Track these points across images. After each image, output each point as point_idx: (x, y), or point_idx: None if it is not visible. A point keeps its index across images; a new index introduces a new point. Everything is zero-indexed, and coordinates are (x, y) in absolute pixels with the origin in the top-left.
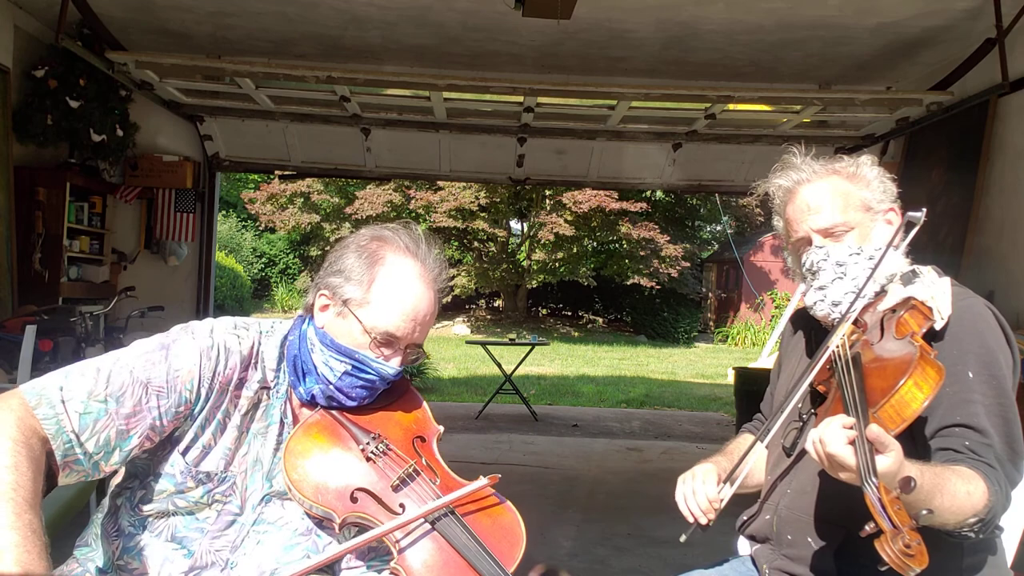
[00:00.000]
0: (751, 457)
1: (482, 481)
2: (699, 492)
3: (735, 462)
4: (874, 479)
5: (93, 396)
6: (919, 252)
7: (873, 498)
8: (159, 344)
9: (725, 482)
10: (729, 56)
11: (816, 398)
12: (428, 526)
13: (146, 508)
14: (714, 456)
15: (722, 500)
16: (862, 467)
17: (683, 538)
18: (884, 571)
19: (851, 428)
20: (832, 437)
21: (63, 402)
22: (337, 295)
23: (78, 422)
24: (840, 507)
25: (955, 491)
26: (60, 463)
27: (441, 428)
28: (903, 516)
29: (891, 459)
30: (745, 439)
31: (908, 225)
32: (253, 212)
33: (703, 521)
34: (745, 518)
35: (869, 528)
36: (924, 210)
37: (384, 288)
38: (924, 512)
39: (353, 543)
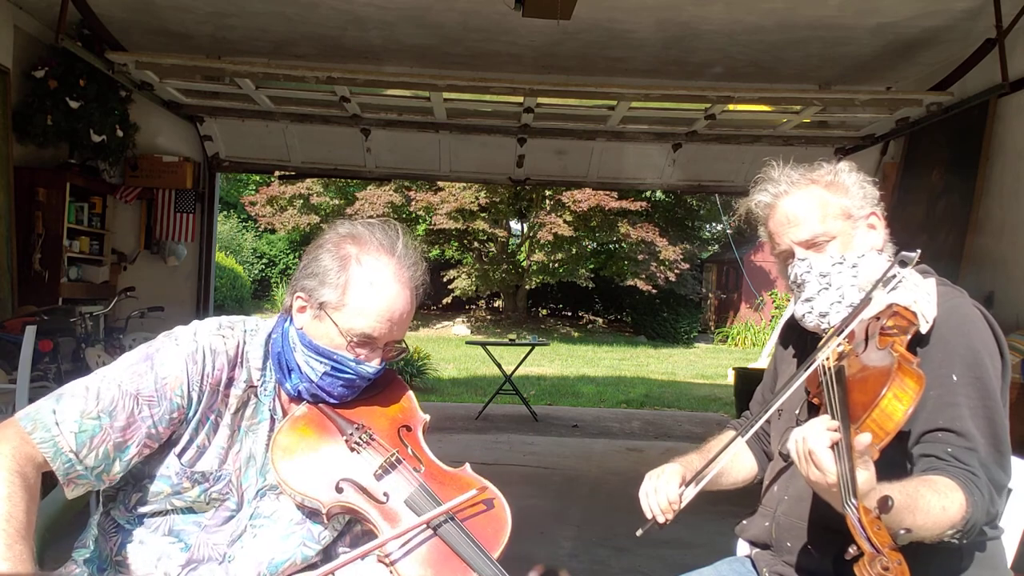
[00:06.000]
0: (724, 456)
1: (471, 492)
2: (660, 491)
3: (707, 461)
4: (854, 500)
5: (85, 414)
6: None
7: (854, 519)
8: (144, 355)
9: (690, 483)
10: (729, 56)
11: (813, 410)
12: (413, 517)
13: (143, 509)
14: (689, 454)
15: (682, 501)
16: (843, 487)
17: (639, 532)
18: None
19: (835, 431)
20: (814, 436)
21: (57, 424)
22: (313, 298)
23: (74, 441)
24: (837, 513)
25: (929, 508)
26: (64, 481)
27: (427, 417)
28: (883, 536)
29: (871, 471)
30: (726, 436)
31: (901, 263)
32: (253, 214)
33: (660, 520)
34: (745, 523)
35: (852, 551)
36: (919, 251)
37: (359, 290)
38: (902, 532)
39: (361, 550)
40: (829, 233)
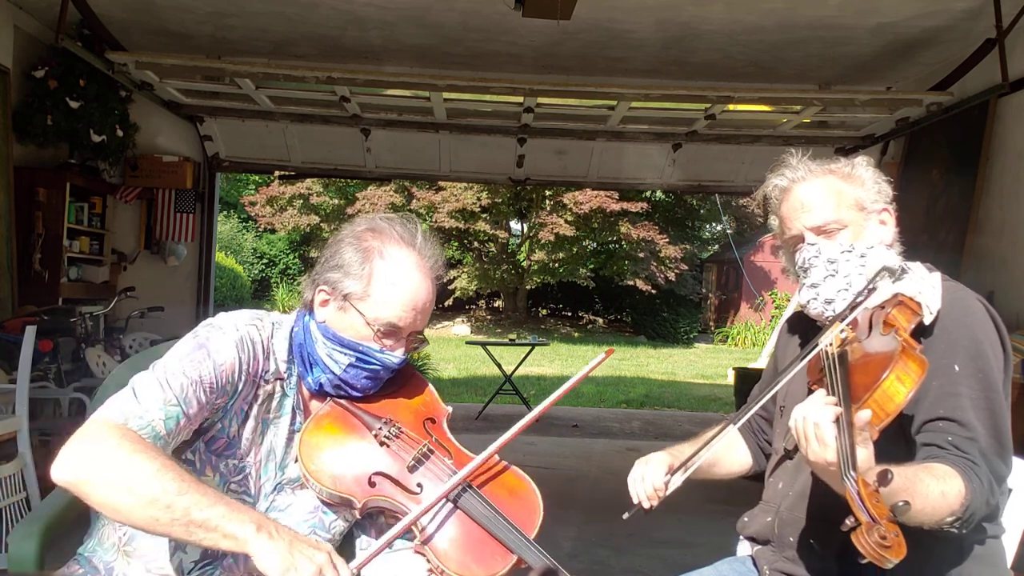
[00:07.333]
0: (714, 445)
1: (600, 356)
2: (647, 478)
3: (696, 449)
4: (853, 473)
5: (167, 403)
6: (919, 252)
7: (852, 491)
8: (196, 344)
9: (677, 470)
10: (729, 56)
11: None
12: (450, 504)
13: None
14: (682, 443)
15: (668, 489)
16: (842, 461)
17: (625, 516)
18: (865, 564)
19: (835, 404)
20: (815, 410)
21: (147, 412)
22: (337, 290)
23: (165, 427)
24: (841, 508)
25: (928, 492)
26: None
27: (450, 408)
28: (881, 508)
29: (870, 449)
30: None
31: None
32: (253, 214)
33: (646, 505)
34: (746, 519)
35: (849, 522)
36: (901, 262)
37: (384, 280)
38: (900, 504)
39: (387, 537)
40: (841, 221)
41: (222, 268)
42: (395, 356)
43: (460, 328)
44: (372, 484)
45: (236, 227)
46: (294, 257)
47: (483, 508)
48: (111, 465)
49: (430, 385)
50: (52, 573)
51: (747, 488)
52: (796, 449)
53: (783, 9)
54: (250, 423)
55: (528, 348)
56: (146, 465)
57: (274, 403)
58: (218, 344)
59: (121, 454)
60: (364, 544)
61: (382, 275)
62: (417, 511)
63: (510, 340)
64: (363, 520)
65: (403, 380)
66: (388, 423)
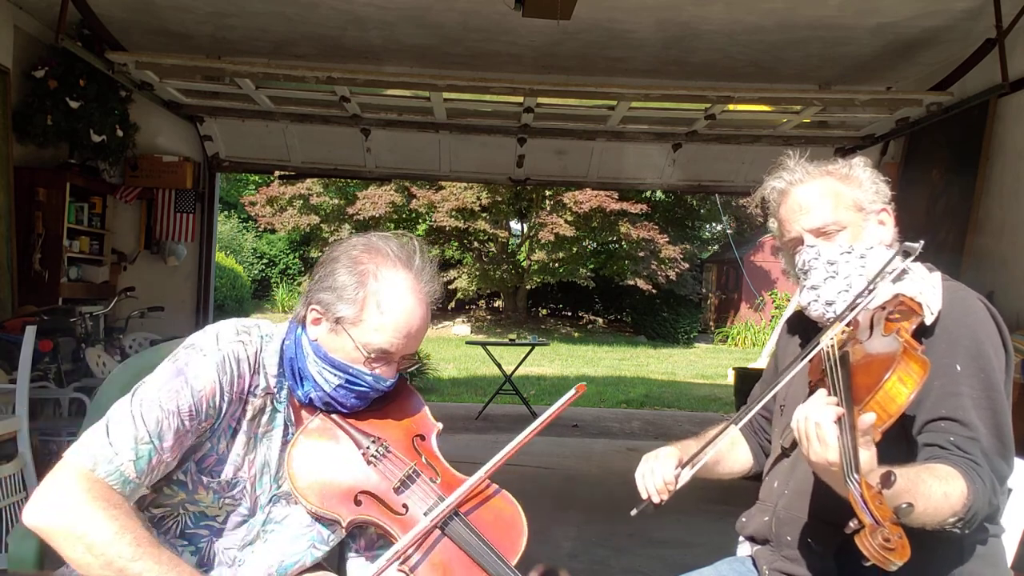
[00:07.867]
0: (721, 440)
1: (571, 392)
2: (656, 472)
3: (703, 444)
4: (856, 475)
5: (139, 441)
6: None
7: (855, 493)
8: (175, 371)
9: (685, 465)
10: (729, 56)
11: None
12: (436, 530)
13: (155, 510)
14: (686, 440)
15: (677, 482)
16: (845, 463)
17: (634, 512)
18: (868, 567)
19: (837, 405)
20: (817, 410)
21: (117, 455)
22: (329, 312)
23: (135, 468)
24: (838, 507)
25: (930, 493)
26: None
27: (440, 425)
28: (884, 511)
29: (873, 451)
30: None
31: (904, 254)
32: (253, 214)
33: (656, 500)
34: (744, 519)
35: (852, 524)
36: (921, 242)
37: (377, 306)
38: (904, 506)
39: (381, 564)
40: (840, 223)
41: (222, 268)
42: (385, 380)
43: (460, 328)
44: (358, 503)
45: (236, 227)
46: (294, 257)
47: (468, 535)
48: (72, 523)
49: (421, 399)
50: (52, 573)
51: (747, 488)
52: (793, 446)
53: (783, 9)
54: (240, 438)
55: (528, 348)
56: (105, 526)
57: (264, 418)
58: (197, 369)
59: (83, 512)
60: (351, 553)
61: (375, 301)
62: (405, 541)
63: (510, 340)
64: (353, 530)
65: (395, 395)
66: (376, 441)
